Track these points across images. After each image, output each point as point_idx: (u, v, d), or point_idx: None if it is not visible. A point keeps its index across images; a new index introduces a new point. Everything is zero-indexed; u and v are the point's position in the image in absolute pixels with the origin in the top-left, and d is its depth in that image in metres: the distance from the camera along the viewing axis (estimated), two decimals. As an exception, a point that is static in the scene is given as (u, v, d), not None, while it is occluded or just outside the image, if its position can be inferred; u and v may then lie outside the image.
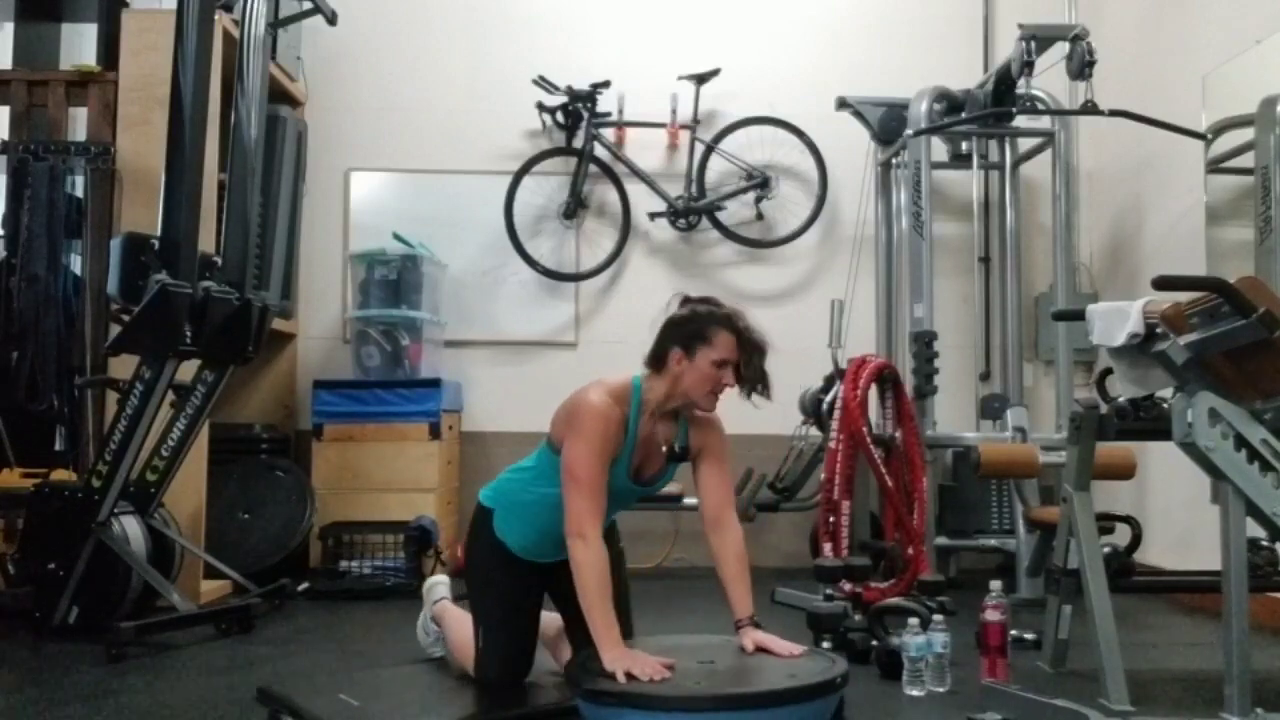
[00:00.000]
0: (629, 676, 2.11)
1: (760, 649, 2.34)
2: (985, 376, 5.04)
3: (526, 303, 5.35)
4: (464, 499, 5.15)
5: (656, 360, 2.42)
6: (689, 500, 4.78)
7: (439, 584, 3.02)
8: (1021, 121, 4.80)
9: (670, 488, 4.74)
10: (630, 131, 5.31)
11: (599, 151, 5.25)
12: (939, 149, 4.99)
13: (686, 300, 2.47)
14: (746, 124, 5.24)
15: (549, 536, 2.44)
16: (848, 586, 3.49)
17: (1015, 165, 5.00)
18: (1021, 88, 4.36)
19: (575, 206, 5.23)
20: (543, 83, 5.17)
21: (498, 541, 2.56)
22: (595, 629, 2.23)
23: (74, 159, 4.17)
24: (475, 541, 2.63)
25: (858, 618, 3.12)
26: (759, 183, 5.23)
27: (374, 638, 3.53)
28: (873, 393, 4.08)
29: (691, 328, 2.38)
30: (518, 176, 5.19)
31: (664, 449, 2.46)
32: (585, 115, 5.19)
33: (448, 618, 2.83)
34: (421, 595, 3.05)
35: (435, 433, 4.77)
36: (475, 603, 2.61)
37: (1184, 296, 2.35)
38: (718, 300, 2.47)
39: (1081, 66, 4.16)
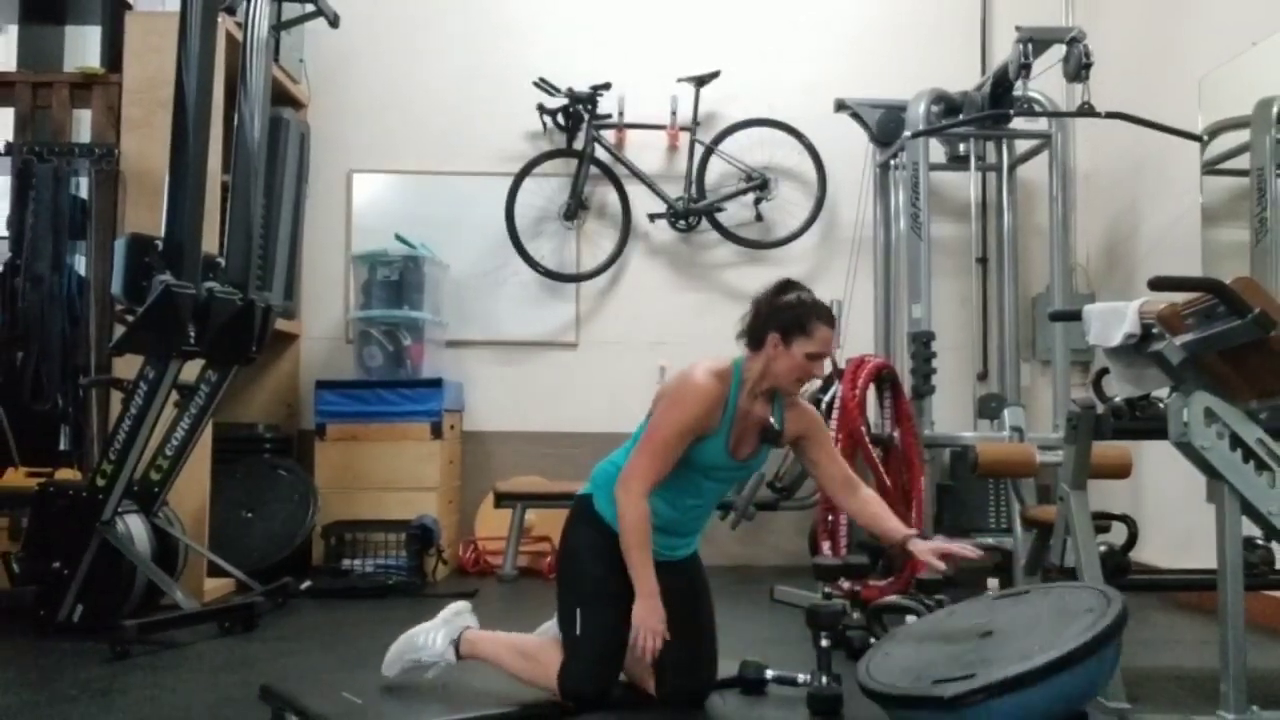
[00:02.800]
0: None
1: (942, 555, 2.40)
2: (983, 376, 5.06)
3: (527, 303, 5.37)
4: (465, 498, 5.17)
5: (755, 340, 2.48)
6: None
7: (463, 612, 2.68)
8: (1019, 123, 4.83)
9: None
10: (630, 133, 5.34)
11: (599, 153, 5.27)
12: (937, 150, 5.00)
13: (789, 286, 2.50)
14: (746, 126, 5.27)
15: (657, 515, 2.45)
16: (846, 585, 3.51)
17: (1013, 167, 5.03)
18: (1019, 90, 4.38)
19: (576, 208, 5.25)
20: (543, 85, 5.19)
21: (597, 517, 2.50)
22: (632, 571, 2.35)
23: (78, 160, 4.19)
24: (573, 528, 2.57)
25: (856, 616, 3.14)
26: (758, 184, 5.25)
27: (376, 636, 3.52)
28: (871, 392, 4.09)
29: (793, 315, 2.43)
30: (519, 178, 5.21)
31: (760, 429, 2.52)
32: (586, 117, 5.21)
33: (486, 646, 2.59)
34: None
35: (437, 432, 4.78)
36: (570, 591, 2.50)
37: (1180, 297, 2.36)
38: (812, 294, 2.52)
39: (1078, 68, 4.18)
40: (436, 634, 2.61)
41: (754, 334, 2.48)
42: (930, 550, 2.40)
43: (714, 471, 2.51)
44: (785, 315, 2.43)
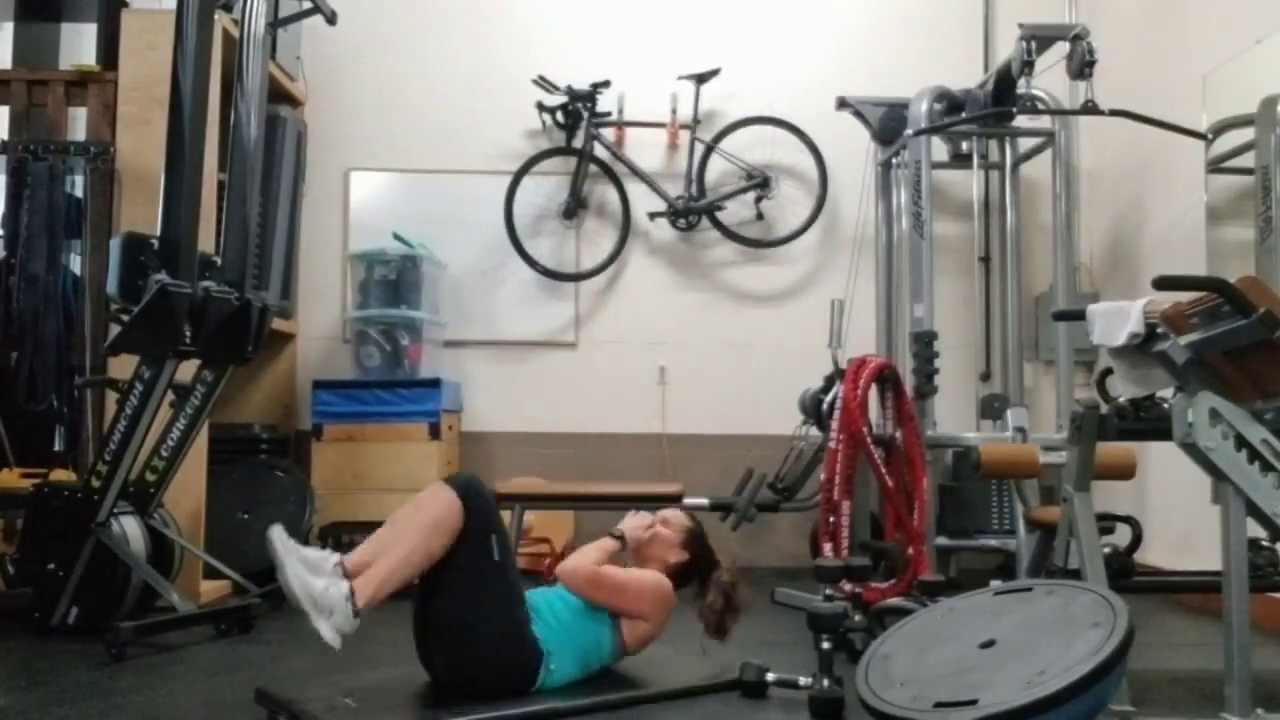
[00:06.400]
0: None
1: None
2: (985, 376, 5.04)
3: (526, 303, 5.35)
4: (464, 499, 5.15)
5: None
6: (689, 500, 4.78)
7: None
8: (1022, 121, 4.79)
9: (670, 488, 4.82)
10: (630, 131, 5.31)
11: (599, 151, 5.25)
12: (939, 149, 4.99)
13: None
14: (746, 124, 5.24)
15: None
16: (848, 587, 3.49)
17: (1015, 165, 5.00)
18: (1022, 87, 4.35)
19: (575, 206, 5.23)
20: (543, 82, 5.17)
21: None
22: None
23: (73, 159, 4.17)
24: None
25: (858, 618, 3.11)
26: (759, 182, 5.23)
27: (373, 639, 3.51)
28: (873, 393, 4.07)
29: None
30: (517, 176, 5.18)
31: None
32: (585, 115, 5.19)
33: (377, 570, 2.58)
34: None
35: (435, 433, 4.76)
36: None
37: (1184, 296, 2.34)
38: None
39: (1081, 66, 4.15)
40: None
41: None
42: None
43: None
44: None
